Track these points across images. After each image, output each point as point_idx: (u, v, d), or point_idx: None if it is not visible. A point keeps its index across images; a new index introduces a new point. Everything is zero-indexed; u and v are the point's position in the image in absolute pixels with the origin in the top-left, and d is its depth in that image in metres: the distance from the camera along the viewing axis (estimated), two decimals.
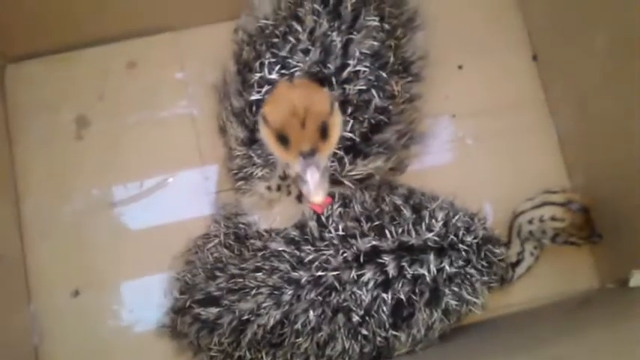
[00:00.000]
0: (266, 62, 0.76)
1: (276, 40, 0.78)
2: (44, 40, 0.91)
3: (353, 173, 0.76)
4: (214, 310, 0.73)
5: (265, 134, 0.64)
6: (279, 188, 0.73)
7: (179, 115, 0.92)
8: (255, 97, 0.76)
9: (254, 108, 0.76)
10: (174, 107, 0.93)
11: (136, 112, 0.92)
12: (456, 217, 0.76)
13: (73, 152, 0.90)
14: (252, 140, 0.77)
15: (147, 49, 0.94)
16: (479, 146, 0.93)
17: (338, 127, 0.64)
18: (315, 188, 0.61)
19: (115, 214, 0.89)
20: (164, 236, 0.87)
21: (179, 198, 0.90)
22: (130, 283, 0.87)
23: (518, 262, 0.84)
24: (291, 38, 0.77)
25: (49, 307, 0.86)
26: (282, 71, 0.76)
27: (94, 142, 0.91)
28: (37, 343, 0.85)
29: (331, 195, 0.76)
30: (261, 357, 0.73)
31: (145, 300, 0.85)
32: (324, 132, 0.62)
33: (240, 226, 0.78)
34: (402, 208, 0.76)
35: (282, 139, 0.62)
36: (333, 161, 0.74)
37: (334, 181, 0.75)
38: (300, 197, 0.74)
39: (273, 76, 0.76)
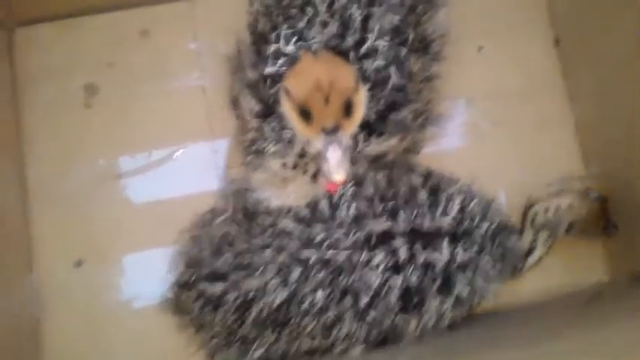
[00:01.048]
0: (282, 34, 0.74)
1: (293, 11, 0.75)
2: (56, 3, 0.89)
3: (367, 151, 0.74)
4: (220, 285, 0.72)
5: (287, 108, 0.62)
6: (295, 166, 0.71)
7: (190, 86, 0.90)
8: (270, 69, 0.74)
9: (269, 80, 0.74)
10: (185, 78, 0.90)
11: (147, 81, 0.90)
12: (473, 203, 0.75)
13: (80, 120, 0.88)
14: (266, 113, 0.74)
15: (160, 18, 0.91)
16: (495, 131, 0.91)
17: (362, 104, 0.62)
18: (337, 166, 0.59)
19: (121, 185, 0.87)
20: (170, 210, 0.86)
21: (187, 171, 0.88)
22: (134, 255, 0.85)
23: (530, 252, 0.82)
24: (309, 10, 0.74)
25: (52, 277, 0.84)
26: (299, 43, 0.74)
27: (102, 110, 0.89)
28: (38, 313, 0.83)
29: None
30: (266, 336, 0.72)
31: (148, 274, 0.83)
32: (348, 109, 0.60)
33: (249, 202, 0.76)
34: (419, 189, 0.74)
35: (305, 114, 0.60)
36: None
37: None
38: (315, 176, 0.72)
39: (290, 48, 0.73)
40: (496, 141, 0.91)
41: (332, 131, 0.59)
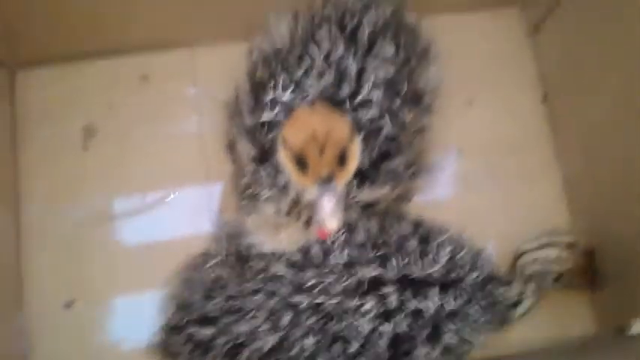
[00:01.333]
0: (280, 82, 0.76)
1: (291, 61, 0.78)
2: (57, 47, 0.91)
3: (359, 198, 0.75)
4: (210, 330, 0.72)
5: (283, 156, 0.64)
6: (289, 212, 0.72)
7: (187, 131, 0.92)
8: (267, 116, 0.76)
9: (265, 127, 0.76)
10: (183, 123, 0.92)
11: (145, 124, 0.91)
12: (463, 252, 0.75)
13: (77, 162, 0.90)
14: (262, 159, 0.76)
15: (160, 63, 0.94)
16: (484, 182, 0.93)
17: (356, 154, 0.64)
18: (331, 215, 0.60)
19: (115, 226, 0.88)
20: (163, 252, 0.86)
21: (181, 214, 0.89)
22: (125, 298, 0.85)
23: (519, 302, 0.82)
24: (306, 60, 0.77)
25: (41, 317, 0.84)
26: (296, 92, 0.76)
27: (99, 152, 0.90)
28: (26, 353, 0.82)
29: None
30: None
31: (138, 317, 0.83)
32: (342, 159, 0.61)
33: (242, 246, 0.76)
34: (410, 237, 0.75)
35: (301, 163, 0.62)
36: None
37: None
38: (308, 222, 0.73)
39: (287, 96, 0.76)
40: (485, 192, 0.93)
41: (326, 180, 0.61)
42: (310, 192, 0.62)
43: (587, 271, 0.80)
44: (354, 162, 0.63)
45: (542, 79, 0.96)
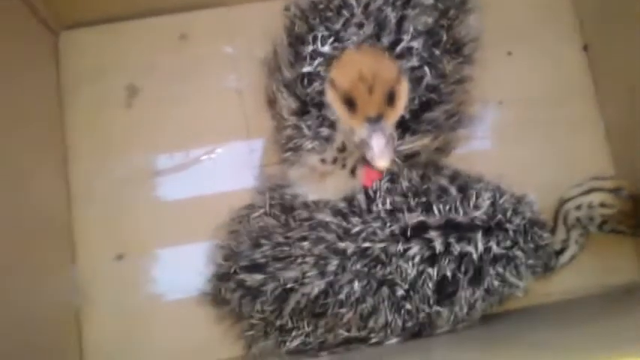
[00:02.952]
0: (319, 35, 0.77)
1: (329, 14, 0.78)
2: (98, 9, 0.93)
3: (401, 148, 0.76)
4: (259, 276, 0.73)
5: (332, 98, 0.64)
6: (334, 161, 0.73)
7: (227, 88, 0.93)
8: (307, 69, 0.76)
9: (305, 79, 0.77)
10: (222, 80, 0.93)
11: (185, 83, 0.93)
12: (503, 198, 0.76)
13: (121, 120, 0.92)
14: (303, 111, 0.77)
15: (198, 23, 0.95)
16: (525, 134, 0.93)
17: (405, 94, 0.64)
18: (381, 153, 0.61)
19: (160, 182, 0.90)
20: (207, 206, 0.88)
21: (223, 169, 0.90)
22: (172, 250, 0.88)
23: (562, 250, 0.82)
24: (345, 12, 0.77)
25: (93, 270, 0.87)
26: (335, 44, 0.76)
27: (142, 110, 0.92)
28: (78, 305, 0.86)
29: (380, 170, 0.76)
30: (303, 326, 0.73)
31: (186, 267, 0.85)
32: (390, 99, 0.62)
33: (286, 197, 0.77)
34: (448, 187, 0.75)
35: (349, 104, 0.62)
36: None
37: None
38: (353, 171, 0.74)
39: (326, 48, 0.76)
40: (525, 143, 0.92)
41: (375, 120, 0.61)
42: (360, 132, 0.62)
43: (633, 216, 0.79)
44: (402, 102, 0.64)
45: (582, 28, 0.95)
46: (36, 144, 0.85)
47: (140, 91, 0.92)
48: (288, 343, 0.75)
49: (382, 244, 0.71)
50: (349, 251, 0.71)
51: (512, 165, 0.91)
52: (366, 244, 0.71)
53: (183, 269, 0.86)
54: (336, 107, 0.64)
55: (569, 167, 0.90)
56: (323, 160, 0.73)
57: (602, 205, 0.78)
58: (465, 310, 0.73)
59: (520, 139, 0.93)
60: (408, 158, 0.77)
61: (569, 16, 0.96)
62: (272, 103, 0.84)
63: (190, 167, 0.91)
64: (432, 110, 0.78)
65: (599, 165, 0.91)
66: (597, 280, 0.86)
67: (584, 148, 0.92)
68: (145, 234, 0.88)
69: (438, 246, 0.70)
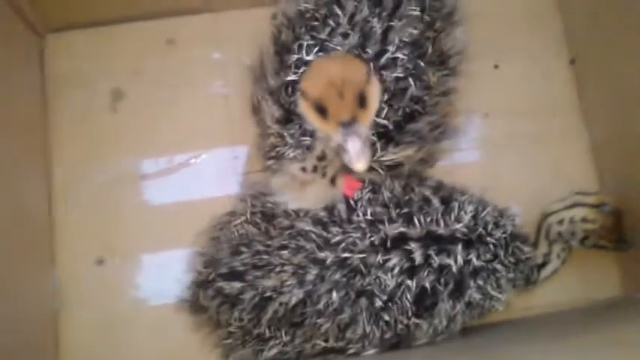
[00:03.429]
0: (305, 44, 0.77)
1: (315, 23, 0.78)
2: (86, 12, 0.93)
3: (384, 159, 0.75)
4: (237, 284, 0.73)
5: (304, 108, 0.64)
6: (314, 169, 0.73)
7: (213, 94, 0.93)
8: (291, 77, 0.76)
9: (290, 88, 0.76)
10: (208, 86, 0.93)
11: (171, 88, 0.93)
12: (485, 211, 0.76)
13: (106, 124, 0.91)
14: (286, 120, 0.76)
15: (186, 28, 0.95)
16: (510, 147, 0.93)
17: (376, 95, 0.64)
18: (357, 156, 0.61)
19: (144, 187, 0.90)
20: (189, 213, 0.88)
21: (207, 176, 0.90)
22: (153, 255, 0.87)
23: (544, 264, 0.82)
24: (331, 22, 0.77)
25: (73, 274, 0.86)
26: (320, 53, 0.76)
27: (127, 115, 0.92)
28: (58, 308, 0.85)
29: (361, 180, 0.76)
30: (281, 335, 0.73)
31: (166, 273, 0.85)
32: (362, 101, 0.62)
33: (268, 205, 0.77)
34: (431, 198, 0.75)
35: (321, 111, 0.62)
36: None
37: None
38: (333, 180, 0.74)
39: (311, 57, 0.76)
40: (511, 156, 0.93)
41: (349, 123, 0.62)
42: (335, 138, 0.62)
43: (615, 232, 0.79)
44: (374, 102, 0.64)
45: (570, 41, 0.95)
46: (19, 146, 0.85)
47: (126, 96, 0.92)
48: (265, 353, 0.74)
49: (361, 255, 0.70)
50: (328, 261, 0.70)
51: (496, 177, 0.91)
52: (345, 255, 0.70)
53: (164, 275, 0.85)
54: (309, 116, 0.64)
55: (553, 180, 0.90)
56: (303, 169, 0.73)
57: (584, 220, 0.79)
58: (445, 323, 0.73)
59: (505, 151, 0.93)
60: (391, 169, 0.77)
61: (557, 29, 0.96)
62: (257, 110, 0.84)
63: (174, 172, 0.91)
64: (416, 121, 0.77)
65: (584, 178, 0.91)
66: (579, 294, 0.86)
67: (570, 162, 0.92)
68: (127, 239, 0.88)
69: (418, 258, 0.70)
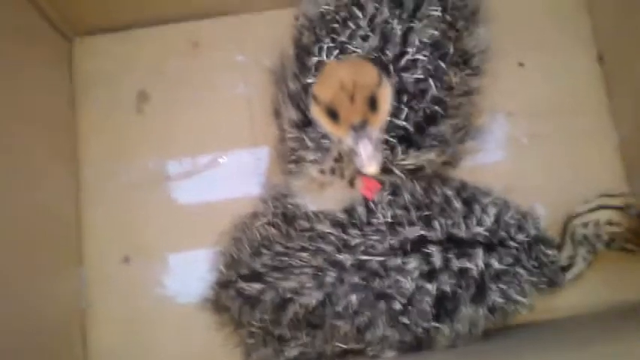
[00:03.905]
0: (325, 47, 0.77)
1: (336, 25, 0.78)
2: (111, 17, 0.94)
3: (404, 163, 0.75)
4: (258, 285, 0.74)
5: (315, 112, 0.65)
6: (332, 171, 0.73)
7: (236, 96, 0.94)
8: (311, 80, 0.77)
9: (310, 91, 0.77)
10: (231, 88, 0.94)
11: (195, 90, 0.94)
12: (509, 214, 0.75)
13: (132, 125, 0.93)
14: (305, 123, 0.77)
15: (210, 31, 0.96)
16: (535, 146, 0.91)
17: (387, 98, 0.65)
18: (368, 159, 0.61)
19: (168, 187, 0.91)
20: (212, 213, 0.89)
21: (230, 177, 0.91)
22: (177, 255, 0.89)
23: (569, 267, 0.81)
24: (351, 24, 0.77)
25: (100, 272, 0.89)
26: (340, 56, 0.76)
27: (152, 116, 0.94)
28: (84, 306, 0.88)
29: (381, 182, 0.76)
30: (301, 337, 0.74)
31: (190, 273, 0.87)
32: (373, 104, 0.62)
33: (289, 207, 0.78)
34: (454, 200, 0.75)
35: (333, 115, 0.63)
36: (385, 149, 0.73)
37: (385, 170, 0.75)
38: (352, 182, 0.74)
39: (331, 60, 0.76)
40: (536, 156, 0.91)
41: (360, 127, 0.62)
42: (347, 141, 0.63)
43: None
44: (385, 105, 0.64)
45: (597, 38, 0.93)
46: (48, 146, 0.88)
47: (151, 97, 0.94)
48: (286, 353, 0.75)
49: (380, 258, 0.70)
50: (347, 263, 0.71)
51: (521, 177, 0.90)
52: (364, 257, 0.70)
53: (188, 274, 0.87)
54: (321, 121, 0.65)
55: (580, 181, 0.88)
56: (322, 171, 0.74)
57: (610, 223, 0.77)
58: (467, 327, 0.73)
59: (531, 151, 0.91)
60: (413, 172, 0.77)
61: (584, 26, 0.94)
62: (278, 113, 0.85)
63: (198, 173, 0.92)
64: (437, 124, 0.77)
65: (611, 179, 0.89)
66: (605, 298, 0.84)
67: (597, 162, 0.90)
68: (152, 238, 0.90)
69: (437, 261, 0.70)
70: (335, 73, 0.64)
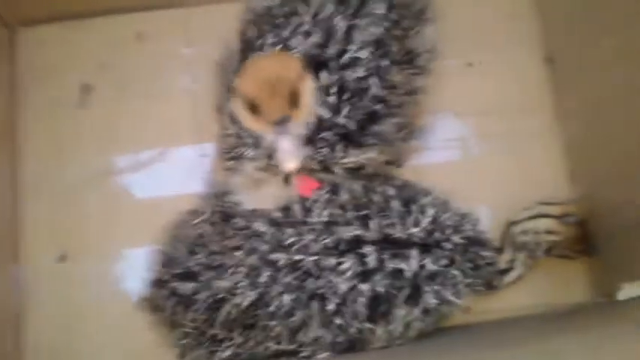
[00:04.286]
0: (267, 42, 0.76)
1: (280, 20, 0.77)
2: (57, 5, 0.92)
3: (345, 161, 0.74)
4: (191, 285, 0.73)
5: (236, 106, 0.64)
6: (267, 168, 0.73)
7: (182, 90, 0.92)
8: None
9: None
10: (177, 82, 0.92)
11: (140, 83, 0.92)
12: (446, 215, 0.75)
13: (74, 119, 0.91)
14: None
15: (156, 23, 0.94)
16: (482, 147, 0.91)
17: (309, 93, 0.64)
18: (288, 155, 0.61)
19: (110, 183, 0.89)
20: (155, 210, 0.87)
21: (174, 173, 0.90)
22: (117, 253, 0.87)
23: (507, 270, 0.81)
24: (294, 19, 0.76)
25: (35, 270, 0.86)
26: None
27: (96, 110, 0.91)
28: (19, 305, 0.85)
29: (320, 181, 0.75)
30: (235, 337, 0.73)
31: (129, 272, 0.85)
32: (294, 99, 0.62)
33: (227, 205, 0.77)
34: (393, 199, 0.74)
35: (254, 109, 0.62)
36: (325, 147, 0.73)
37: (325, 168, 0.75)
38: (288, 180, 0.73)
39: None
40: (483, 156, 0.91)
41: (281, 122, 0.61)
42: (267, 136, 0.62)
43: (580, 242, 0.78)
44: (307, 101, 0.63)
45: (547, 39, 0.93)
46: None
47: (94, 91, 0.92)
48: (219, 354, 0.74)
49: (315, 257, 0.70)
50: (281, 263, 0.70)
51: (466, 179, 0.89)
52: (298, 257, 0.70)
53: (126, 273, 0.85)
54: (240, 115, 0.64)
55: (525, 182, 0.89)
56: (257, 168, 0.73)
57: (549, 232, 0.77)
58: (401, 328, 0.72)
59: (476, 152, 0.91)
60: (353, 171, 0.76)
61: (534, 27, 0.94)
62: (220, 108, 0.83)
63: (141, 169, 0.90)
64: (379, 122, 0.76)
65: (555, 181, 0.89)
66: (545, 300, 0.85)
67: (543, 164, 0.90)
68: (91, 236, 0.87)
69: (372, 262, 0.69)
70: (258, 68, 0.63)
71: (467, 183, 0.88)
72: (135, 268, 0.83)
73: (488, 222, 0.86)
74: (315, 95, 0.66)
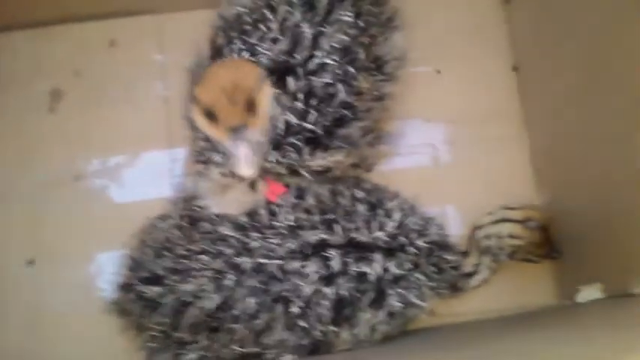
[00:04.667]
0: (235, 48, 0.77)
1: (248, 27, 0.78)
2: (27, 12, 0.92)
3: (311, 164, 0.75)
4: (157, 289, 0.73)
5: (195, 113, 0.65)
6: (233, 174, 0.73)
7: (153, 96, 0.93)
8: None
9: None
10: (149, 88, 0.93)
11: (111, 89, 0.92)
12: (412, 220, 0.76)
13: (44, 124, 0.91)
14: None
15: (128, 29, 0.94)
16: (450, 153, 0.93)
17: (266, 101, 0.65)
18: (244, 162, 0.62)
19: (79, 188, 0.89)
20: (125, 214, 0.88)
21: (144, 177, 0.90)
22: (86, 257, 0.87)
23: (472, 274, 0.82)
24: (261, 26, 0.77)
25: (3, 274, 0.86)
26: (250, 58, 0.76)
27: (66, 115, 0.91)
28: None
29: (287, 185, 0.76)
30: (200, 340, 0.73)
31: (98, 276, 0.85)
32: (252, 107, 0.62)
33: (195, 209, 0.77)
34: (360, 202, 0.75)
35: (212, 117, 0.63)
36: (292, 151, 0.74)
37: (292, 172, 0.75)
38: (254, 185, 0.74)
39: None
40: (451, 162, 0.92)
41: (238, 129, 0.62)
42: (225, 143, 0.63)
43: (543, 246, 0.80)
44: (264, 108, 0.64)
45: (514, 48, 0.95)
46: None
47: (65, 96, 0.92)
48: (185, 357, 0.74)
49: (279, 261, 0.70)
50: (247, 267, 0.71)
51: (436, 183, 0.91)
52: (263, 261, 0.70)
53: (94, 278, 0.86)
54: (199, 122, 0.65)
55: (493, 188, 0.90)
56: (223, 173, 0.73)
57: (511, 236, 0.79)
58: (366, 331, 0.73)
59: (444, 158, 0.93)
60: (321, 174, 0.77)
61: (500, 36, 0.96)
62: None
63: (111, 174, 0.90)
64: (346, 127, 0.77)
65: (521, 186, 0.91)
66: (509, 303, 0.86)
67: (509, 170, 0.92)
68: (60, 240, 0.87)
69: (336, 265, 0.70)
70: (216, 75, 0.64)
71: (435, 188, 0.90)
72: (103, 273, 0.84)
73: (455, 226, 0.88)
74: (278, 102, 0.67)
